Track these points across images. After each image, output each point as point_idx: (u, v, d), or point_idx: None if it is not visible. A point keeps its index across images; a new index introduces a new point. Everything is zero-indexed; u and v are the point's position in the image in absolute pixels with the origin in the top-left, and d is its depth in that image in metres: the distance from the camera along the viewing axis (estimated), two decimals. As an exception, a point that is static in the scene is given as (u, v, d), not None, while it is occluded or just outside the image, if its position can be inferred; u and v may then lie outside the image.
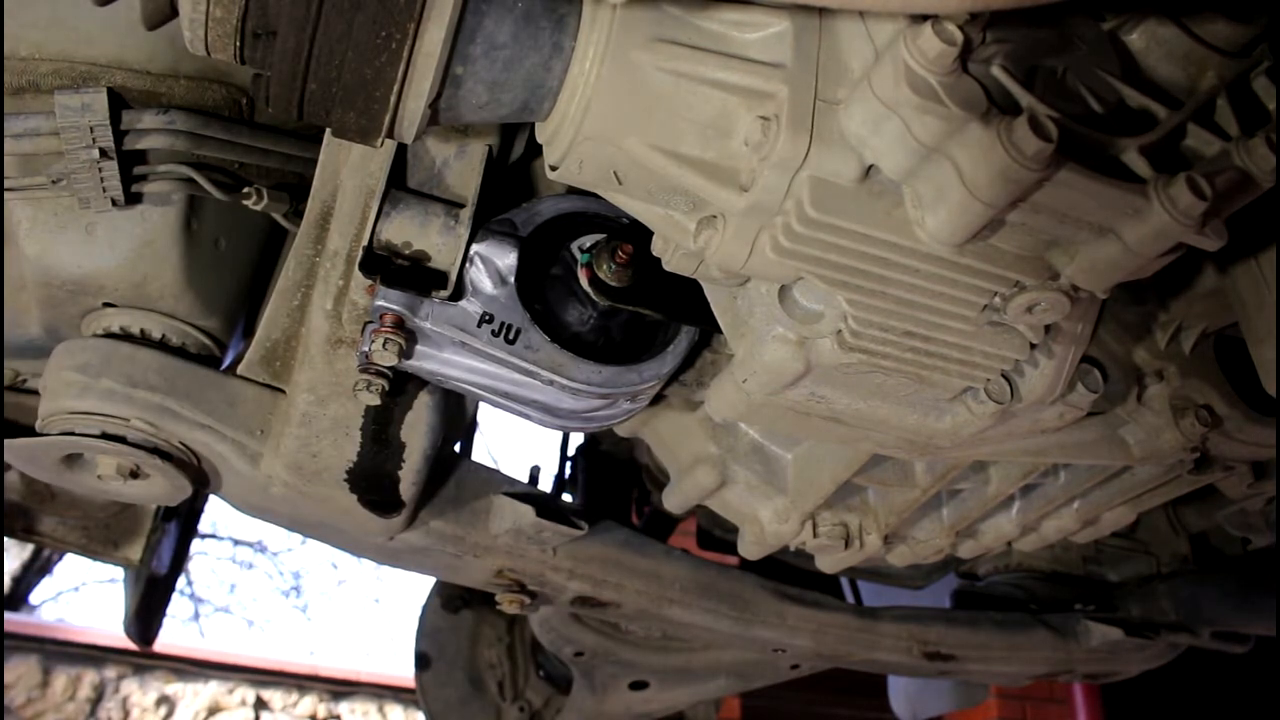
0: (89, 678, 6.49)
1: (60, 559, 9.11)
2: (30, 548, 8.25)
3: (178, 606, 10.34)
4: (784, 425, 1.12)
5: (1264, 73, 0.98)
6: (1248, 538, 2.06)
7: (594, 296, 1.16)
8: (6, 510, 1.79)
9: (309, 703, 7.21)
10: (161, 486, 1.35)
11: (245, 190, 1.25)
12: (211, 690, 6.93)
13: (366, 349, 1.13)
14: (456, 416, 1.47)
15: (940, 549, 1.61)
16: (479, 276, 1.14)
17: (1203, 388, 1.29)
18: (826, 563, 1.62)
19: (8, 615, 7.43)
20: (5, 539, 1.88)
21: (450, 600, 2.68)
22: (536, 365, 1.15)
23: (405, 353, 1.13)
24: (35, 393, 1.34)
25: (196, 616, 10.68)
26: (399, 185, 1.12)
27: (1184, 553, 2.20)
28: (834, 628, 1.89)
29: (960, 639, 2.00)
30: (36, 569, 9.02)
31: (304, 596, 12.84)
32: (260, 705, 7.07)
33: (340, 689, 7.33)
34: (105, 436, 1.27)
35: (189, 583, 10.53)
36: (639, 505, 2.68)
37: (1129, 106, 0.92)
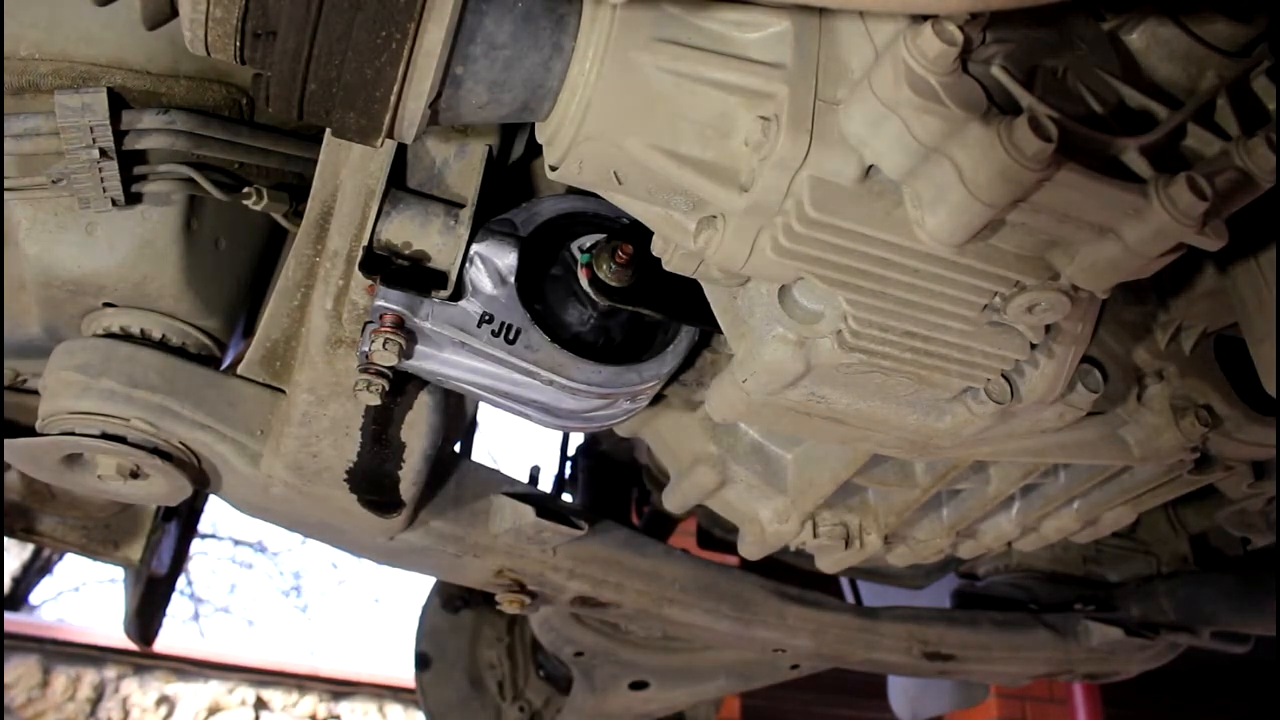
0: (89, 678, 6.49)
1: (60, 559, 9.11)
2: (30, 548, 8.25)
3: (178, 606, 10.34)
4: (784, 425, 1.12)
5: (1264, 73, 0.98)
6: (1248, 538, 2.06)
7: (594, 296, 1.16)
8: (6, 510, 1.79)
9: (309, 703, 7.21)
10: (161, 486, 1.35)
11: (245, 190, 1.25)
12: (211, 690, 6.93)
13: (366, 349, 1.13)
14: (456, 416, 1.47)
15: (940, 549, 1.61)
16: (479, 276, 1.14)
17: (1203, 388, 1.29)
18: (826, 563, 1.62)
19: (8, 615, 7.43)
20: (5, 539, 1.88)
21: (450, 600, 2.68)
22: (536, 365, 1.15)
23: (405, 353, 1.13)
24: (35, 393, 1.34)
25: (196, 616, 10.69)
26: (399, 185, 1.12)
27: (1184, 553, 2.20)
28: (834, 628, 1.89)
29: (960, 639, 2.00)
30: (36, 569, 9.02)
31: (304, 596, 12.84)
32: (260, 705, 7.07)
33: (340, 689, 7.33)
34: (105, 436, 1.27)
35: (189, 583, 10.53)
36: (639, 505, 2.68)
37: (1129, 106, 0.92)
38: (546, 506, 1.52)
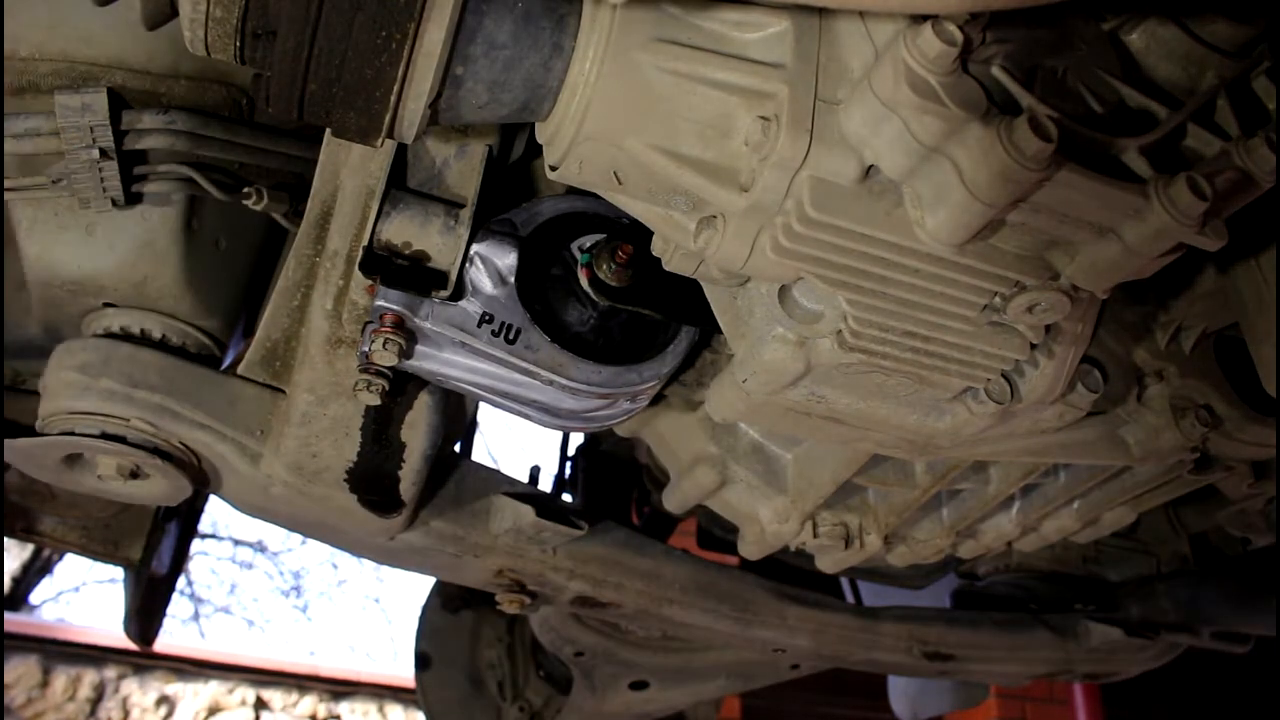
0: (89, 678, 6.49)
1: (60, 559, 9.11)
2: (30, 548, 8.25)
3: (178, 606, 10.34)
4: (784, 425, 1.12)
5: (1264, 73, 0.98)
6: (1248, 538, 2.06)
7: (594, 296, 1.16)
8: (6, 510, 1.79)
9: (309, 703, 7.21)
10: (161, 486, 1.35)
11: (245, 190, 1.25)
12: (211, 690, 6.93)
13: (366, 349, 1.13)
14: (456, 416, 1.47)
15: (940, 549, 1.61)
16: (479, 276, 1.14)
17: (1203, 388, 1.29)
18: (826, 563, 1.62)
19: (8, 615, 7.43)
20: (5, 539, 1.88)
21: (450, 600, 2.68)
22: (536, 365, 1.15)
23: (405, 353, 1.13)
24: (35, 393, 1.34)
25: (196, 616, 10.68)
26: (399, 185, 1.12)
27: (1184, 553, 2.20)
28: (834, 628, 1.89)
29: (960, 639, 2.00)
30: (36, 569, 9.01)
31: (304, 596, 12.82)
32: (260, 705, 7.07)
33: (340, 689, 7.33)
34: (105, 436, 1.27)
35: (189, 583, 10.53)
36: (639, 505, 2.68)
37: (1129, 106, 0.92)
38: (546, 506, 1.52)
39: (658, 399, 1.38)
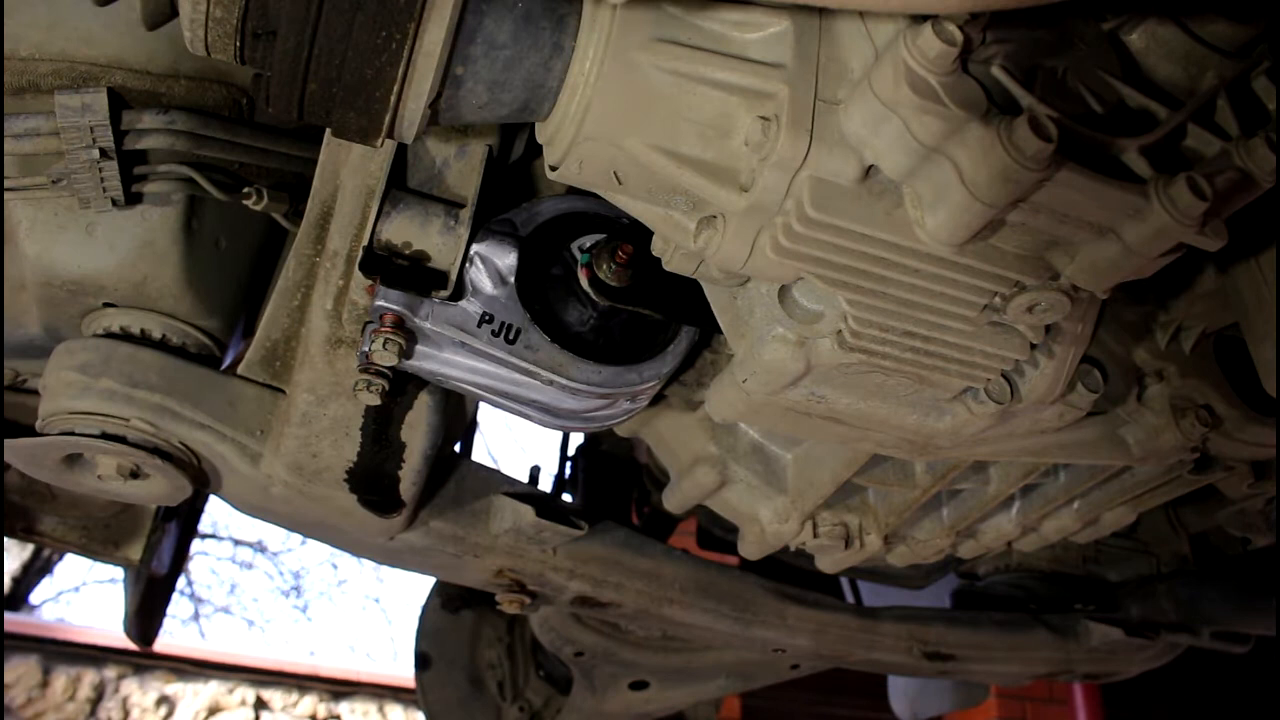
0: (89, 678, 6.49)
1: (60, 559, 9.12)
2: (30, 548, 8.26)
3: (178, 606, 10.34)
4: (784, 425, 1.12)
5: (1264, 73, 0.98)
6: (1248, 538, 2.06)
7: (594, 296, 1.16)
8: (6, 510, 1.79)
9: (309, 703, 7.22)
10: (161, 486, 1.35)
11: (245, 190, 1.25)
12: (211, 690, 6.93)
13: (366, 349, 1.13)
14: (456, 416, 1.47)
15: (940, 549, 1.61)
16: (479, 276, 1.14)
17: (1203, 388, 1.29)
18: (826, 563, 1.62)
19: (8, 615, 7.43)
20: (5, 539, 1.88)
21: (450, 600, 2.68)
22: (536, 365, 1.15)
23: (405, 353, 1.13)
24: (35, 393, 1.34)
25: (196, 616, 10.69)
26: (399, 185, 1.12)
27: (1184, 553, 2.20)
28: (834, 628, 1.89)
29: (960, 639, 2.00)
30: (36, 569, 9.02)
31: (304, 596, 12.82)
32: (260, 705, 7.07)
33: (340, 689, 7.33)
34: (105, 436, 1.27)
35: (189, 583, 10.53)
36: (639, 505, 2.68)
37: (1129, 106, 0.92)
38: (546, 506, 1.52)
39: (658, 399, 1.38)
